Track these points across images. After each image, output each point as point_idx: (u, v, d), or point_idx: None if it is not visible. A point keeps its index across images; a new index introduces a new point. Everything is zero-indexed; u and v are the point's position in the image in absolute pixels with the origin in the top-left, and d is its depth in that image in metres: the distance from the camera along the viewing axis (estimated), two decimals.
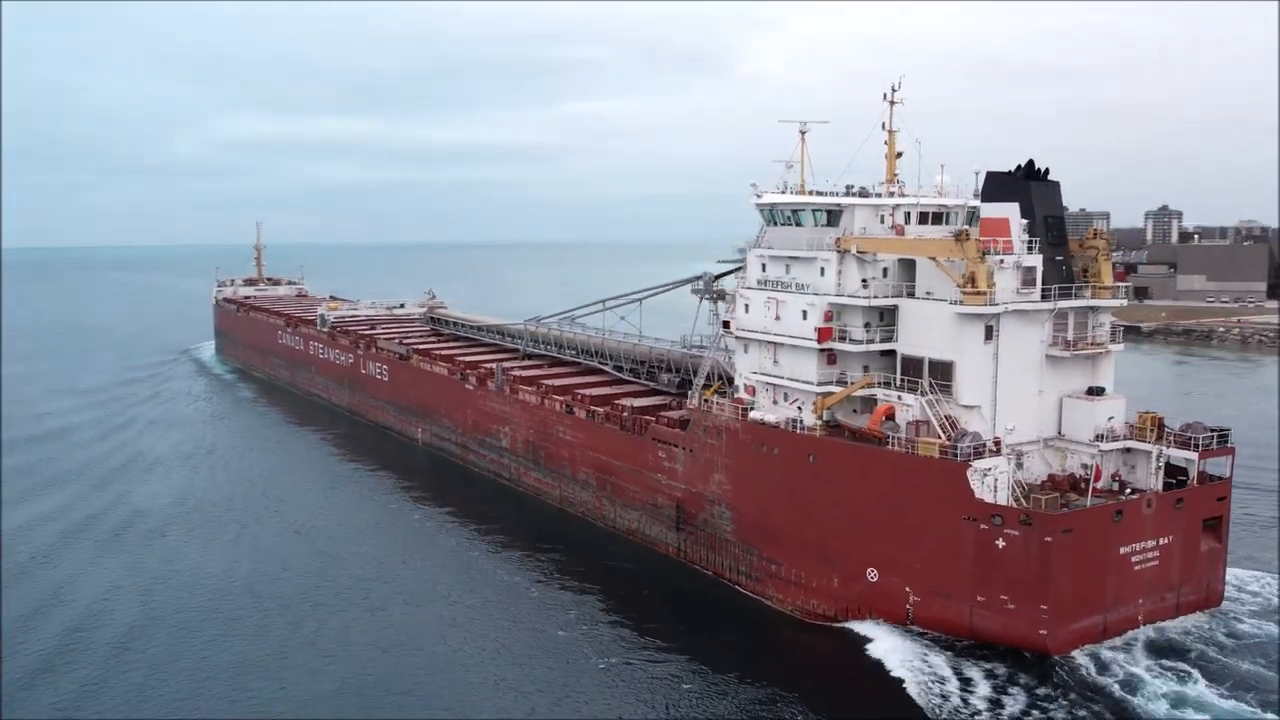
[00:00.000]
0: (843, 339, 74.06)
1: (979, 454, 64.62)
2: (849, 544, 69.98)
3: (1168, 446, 68.80)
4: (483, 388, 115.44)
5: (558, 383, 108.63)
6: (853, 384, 73.08)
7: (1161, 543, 66.26)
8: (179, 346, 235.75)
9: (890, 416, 70.68)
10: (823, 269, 75.91)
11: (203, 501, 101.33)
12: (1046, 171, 73.70)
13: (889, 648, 64.40)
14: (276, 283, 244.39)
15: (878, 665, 62.66)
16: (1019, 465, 70.39)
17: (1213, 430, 68.75)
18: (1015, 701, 57.72)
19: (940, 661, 62.23)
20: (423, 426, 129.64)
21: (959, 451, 64.29)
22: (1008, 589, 63.12)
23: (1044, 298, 70.77)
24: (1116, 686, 58.85)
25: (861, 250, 74.29)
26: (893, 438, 68.03)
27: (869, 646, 65.28)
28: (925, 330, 70.88)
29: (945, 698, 57.99)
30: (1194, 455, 67.77)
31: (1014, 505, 63.45)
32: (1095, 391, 72.25)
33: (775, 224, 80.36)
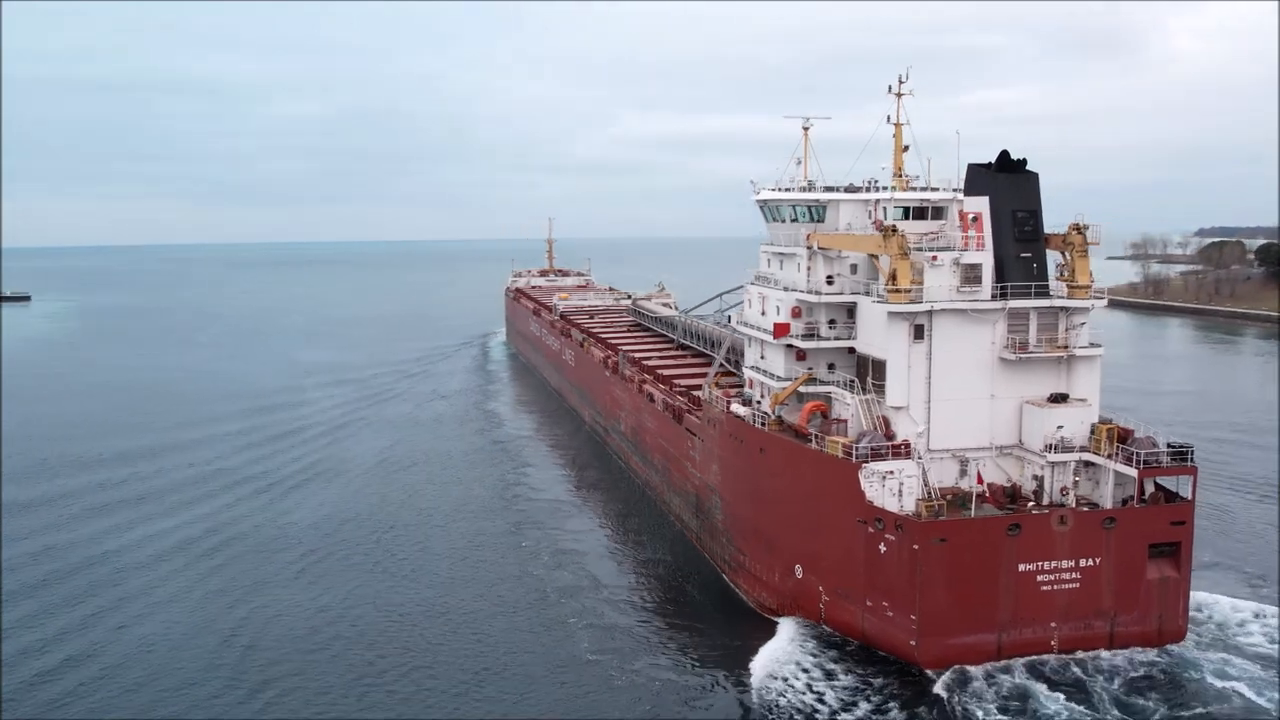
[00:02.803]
0: (812, 335, 74.20)
1: (878, 456, 63.30)
2: (784, 539, 70.59)
3: (1115, 461, 63.19)
4: (615, 375, 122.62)
5: (668, 372, 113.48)
6: (796, 380, 73.10)
7: (1083, 564, 61.34)
8: (481, 332, 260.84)
9: (825, 414, 70.41)
10: (799, 265, 76.21)
11: (376, 464, 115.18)
12: (1024, 162, 69.34)
13: (778, 645, 64.61)
14: (565, 274, 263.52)
15: (744, 664, 62.93)
16: (963, 472, 67.66)
17: (1161, 447, 62.38)
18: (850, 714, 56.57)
19: (801, 670, 61.17)
20: (587, 410, 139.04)
21: (855, 452, 63.42)
22: (887, 595, 61.79)
23: (1001, 296, 67.21)
24: (971, 708, 56.09)
25: (823, 246, 73.93)
26: (813, 435, 67.92)
27: (768, 641, 65.67)
28: (872, 328, 69.75)
29: (785, 701, 57.64)
30: (1133, 471, 61.80)
31: (909, 512, 61.68)
32: (1058, 398, 67.34)
33: (776, 220, 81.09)
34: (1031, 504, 64.29)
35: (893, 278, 65.84)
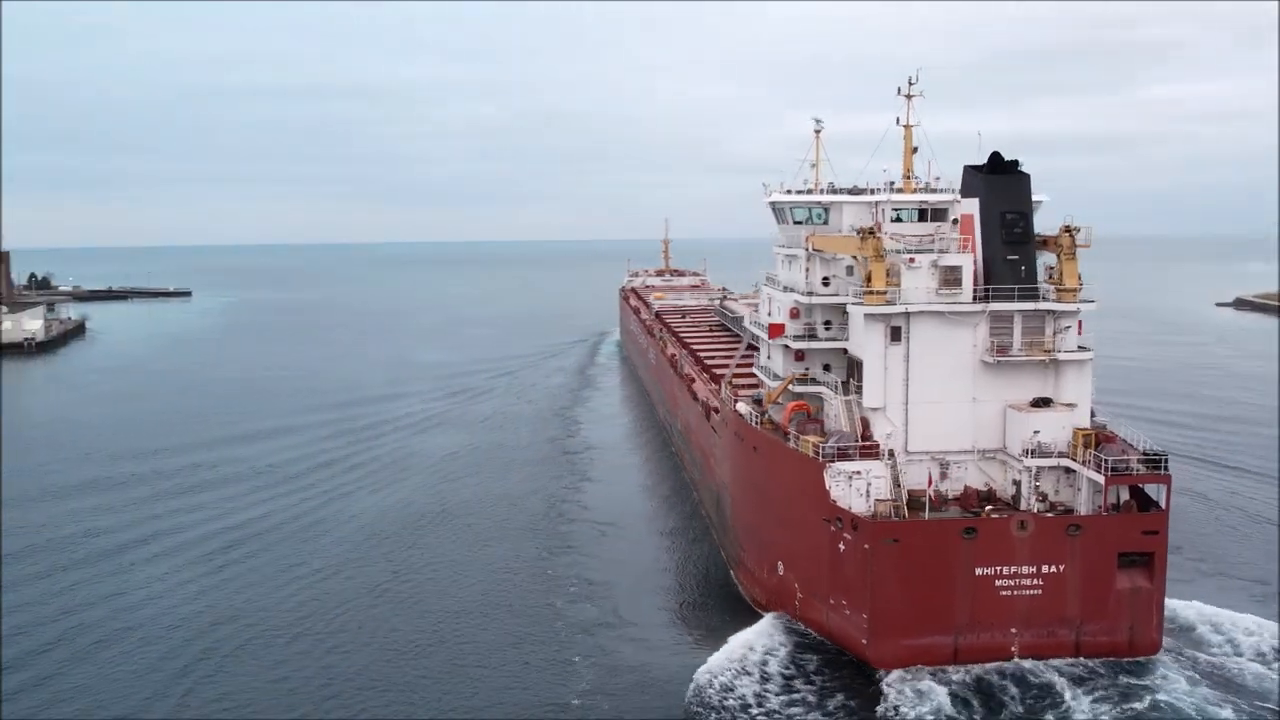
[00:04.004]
0: (809, 336, 75.95)
1: (845, 456, 64.77)
2: (771, 536, 72.65)
3: (1088, 467, 62.96)
4: (675, 372, 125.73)
5: (722, 371, 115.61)
6: (785, 380, 74.90)
7: (1046, 571, 61.39)
8: (598, 331, 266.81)
9: (809, 414, 72.12)
10: (800, 267, 78.00)
11: (430, 472, 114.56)
12: (1015, 163, 69.38)
13: (744, 638, 66.47)
14: (680, 274, 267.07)
15: (695, 659, 63.90)
16: (944, 475, 68.34)
17: (1131, 455, 61.79)
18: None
19: (744, 668, 62.13)
20: (660, 408, 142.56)
21: (822, 451, 65.08)
22: (846, 594, 63.28)
23: (982, 299, 67.63)
24: (906, 709, 57.07)
25: (817, 248, 75.50)
26: (792, 434, 69.76)
27: (734, 635, 67.36)
28: (857, 330, 71.05)
29: (723, 694, 59.00)
30: (1100, 478, 61.48)
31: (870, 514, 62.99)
32: (1040, 402, 67.26)
33: (784, 222, 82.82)
34: (990, 508, 64.59)
35: (869, 279, 67.21)
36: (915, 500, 64.69)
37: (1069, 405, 67.39)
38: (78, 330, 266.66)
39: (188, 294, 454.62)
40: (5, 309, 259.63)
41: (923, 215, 75.30)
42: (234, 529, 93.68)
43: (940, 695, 58.14)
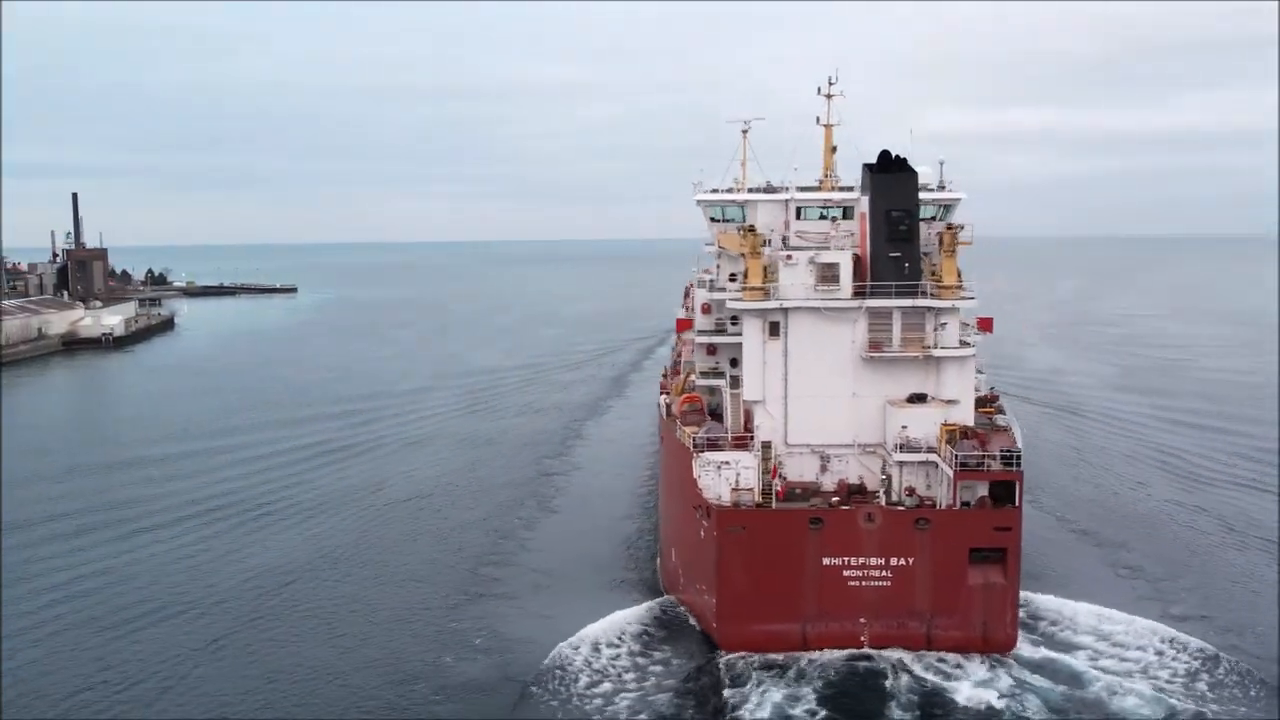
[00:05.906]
0: (719, 331, 79.73)
1: (715, 446, 68.40)
2: (667, 523, 76.86)
3: (945, 462, 65.28)
4: (674, 365, 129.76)
5: None
6: (687, 374, 78.77)
7: (894, 563, 63.99)
8: (667, 328, 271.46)
9: (700, 407, 75.93)
10: (716, 264, 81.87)
11: (384, 494, 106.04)
12: (903, 161, 71.80)
13: (618, 618, 70.42)
14: None
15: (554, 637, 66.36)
16: (824, 468, 71.30)
17: (987, 452, 63.85)
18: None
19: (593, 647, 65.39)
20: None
21: (694, 441, 68.88)
22: (704, 579, 66.97)
23: (859, 295, 70.35)
24: (727, 690, 60.43)
25: (722, 246, 79.10)
26: (677, 425, 73.70)
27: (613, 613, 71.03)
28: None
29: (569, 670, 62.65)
30: (949, 472, 63.76)
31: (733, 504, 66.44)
32: (916, 398, 69.63)
33: (716, 220, 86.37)
34: (836, 499, 67.25)
35: (746, 275, 70.74)
36: (791, 491, 68.24)
37: (949, 401, 69.60)
38: (165, 326, 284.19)
39: (293, 290, 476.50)
40: (99, 304, 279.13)
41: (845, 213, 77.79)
42: (121, 567, 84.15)
43: (776, 683, 61.22)
